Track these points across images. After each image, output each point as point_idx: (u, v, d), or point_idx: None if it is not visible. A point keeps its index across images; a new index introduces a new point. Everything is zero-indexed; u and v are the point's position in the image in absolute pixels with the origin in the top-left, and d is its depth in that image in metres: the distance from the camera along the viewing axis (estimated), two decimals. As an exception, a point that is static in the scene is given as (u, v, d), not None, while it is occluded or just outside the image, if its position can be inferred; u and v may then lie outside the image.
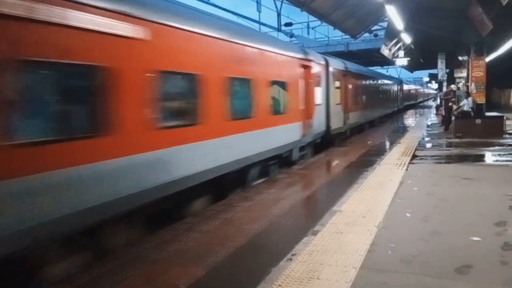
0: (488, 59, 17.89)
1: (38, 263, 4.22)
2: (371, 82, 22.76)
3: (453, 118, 16.14)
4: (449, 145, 13.24)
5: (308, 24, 30.11)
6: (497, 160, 10.28)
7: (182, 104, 6.34)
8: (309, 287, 3.57)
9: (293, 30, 26.72)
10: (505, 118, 15.16)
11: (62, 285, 3.96)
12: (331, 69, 13.95)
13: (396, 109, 33.09)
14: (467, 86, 18.40)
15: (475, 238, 4.62)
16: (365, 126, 20.62)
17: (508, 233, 4.77)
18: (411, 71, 56.37)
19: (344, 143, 14.99)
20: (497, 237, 4.67)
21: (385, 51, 25.68)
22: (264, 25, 22.50)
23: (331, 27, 21.85)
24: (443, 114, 19.03)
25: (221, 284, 3.98)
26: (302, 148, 11.13)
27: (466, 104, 15.97)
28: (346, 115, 15.90)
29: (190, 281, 3.94)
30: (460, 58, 23.29)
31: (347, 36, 26.20)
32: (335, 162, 10.81)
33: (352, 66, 18.06)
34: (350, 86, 16.52)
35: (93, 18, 4.44)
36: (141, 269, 4.26)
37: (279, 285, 3.62)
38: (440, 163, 10.07)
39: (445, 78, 25.96)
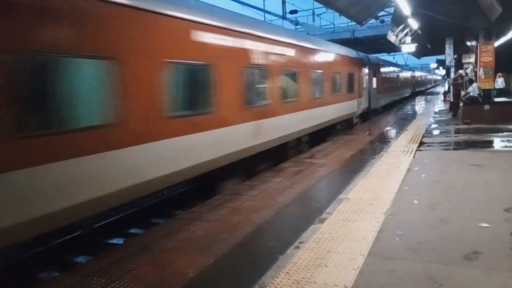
0: (496, 44, 17.58)
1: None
2: (394, 70, 28.36)
3: (461, 104, 15.96)
4: (457, 131, 13.13)
5: (313, 11, 29.85)
6: (505, 146, 10.19)
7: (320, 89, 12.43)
8: (316, 274, 3.58)
9: (298, 18, 26.46)
10: (514, 103, 14.98)
11: (73, 274, 4.01)
12: (369, 62, 19.23)
13: (409, 94, 38.68)
14: (475, 72, 18.14)
15: (484, 225, 4.60)
16: (386, 106, 25.98)
17: (517, 219, 4.74)
18: (418, 57, 55.68)
19: (351, 131, 14.97)
20: (506, 223, 4.64)
21: (391, 37, 25.35)
22: (269, 13, 22.30)
23: (336, 14, 21.57)
24: (451, 100, 18.81)
25: (229, 272, 4.01)
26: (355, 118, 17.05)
27: (472, 91, 15.77)
28: (378, 96, 21.37)
29: (198, 270, 3.97)
30: (468, 43, 22.93)
31: (353, 23, 25.84)
32: (341, 150, 10.77)
33: (381, 59, 24.24)
34: (380, 75, 21.93)
35: None
36: (150, 258, 4.30)
37: (287, 273, 3.64)
38: (447, 149, 10.00)
39: (453, 63, 25.59)
